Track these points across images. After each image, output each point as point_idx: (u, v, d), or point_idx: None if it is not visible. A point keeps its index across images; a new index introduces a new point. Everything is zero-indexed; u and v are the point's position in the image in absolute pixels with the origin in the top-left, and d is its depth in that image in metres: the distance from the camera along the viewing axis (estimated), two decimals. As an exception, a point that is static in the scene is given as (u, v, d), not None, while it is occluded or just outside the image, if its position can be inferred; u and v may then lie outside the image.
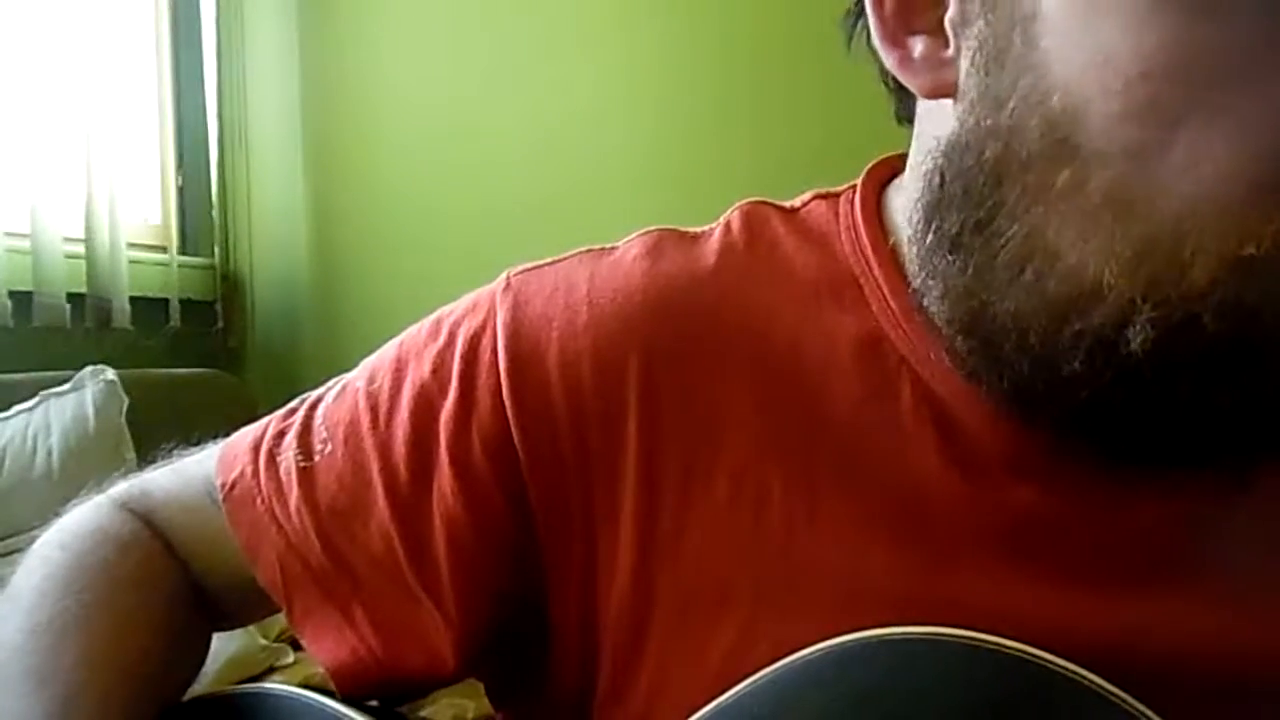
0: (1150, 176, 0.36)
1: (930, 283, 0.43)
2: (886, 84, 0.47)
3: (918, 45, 0.43)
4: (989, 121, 0.40)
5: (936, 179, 0.42)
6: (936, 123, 0.43)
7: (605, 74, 2.00)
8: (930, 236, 0.42)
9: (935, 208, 0.42)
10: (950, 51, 0.42)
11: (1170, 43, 0.35)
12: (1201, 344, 0.36)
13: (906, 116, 0.47)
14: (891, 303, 0.45)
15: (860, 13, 0.46)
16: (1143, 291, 0.36)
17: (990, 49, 0.40)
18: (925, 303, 0.43)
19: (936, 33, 0.42)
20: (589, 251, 0.51)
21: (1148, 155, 0.36)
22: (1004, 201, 0.39)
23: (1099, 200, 0.37)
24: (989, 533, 0.42)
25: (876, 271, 0.46)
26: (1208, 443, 0.39)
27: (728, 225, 0.51)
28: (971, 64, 0.41)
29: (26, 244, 1.81)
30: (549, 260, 0.51)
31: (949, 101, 0.42)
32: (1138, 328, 0.36)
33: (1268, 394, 0.37)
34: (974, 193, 0.40)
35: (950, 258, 0.41)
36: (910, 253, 0.45)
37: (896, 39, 0.44)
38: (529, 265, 0.51)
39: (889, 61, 0.44)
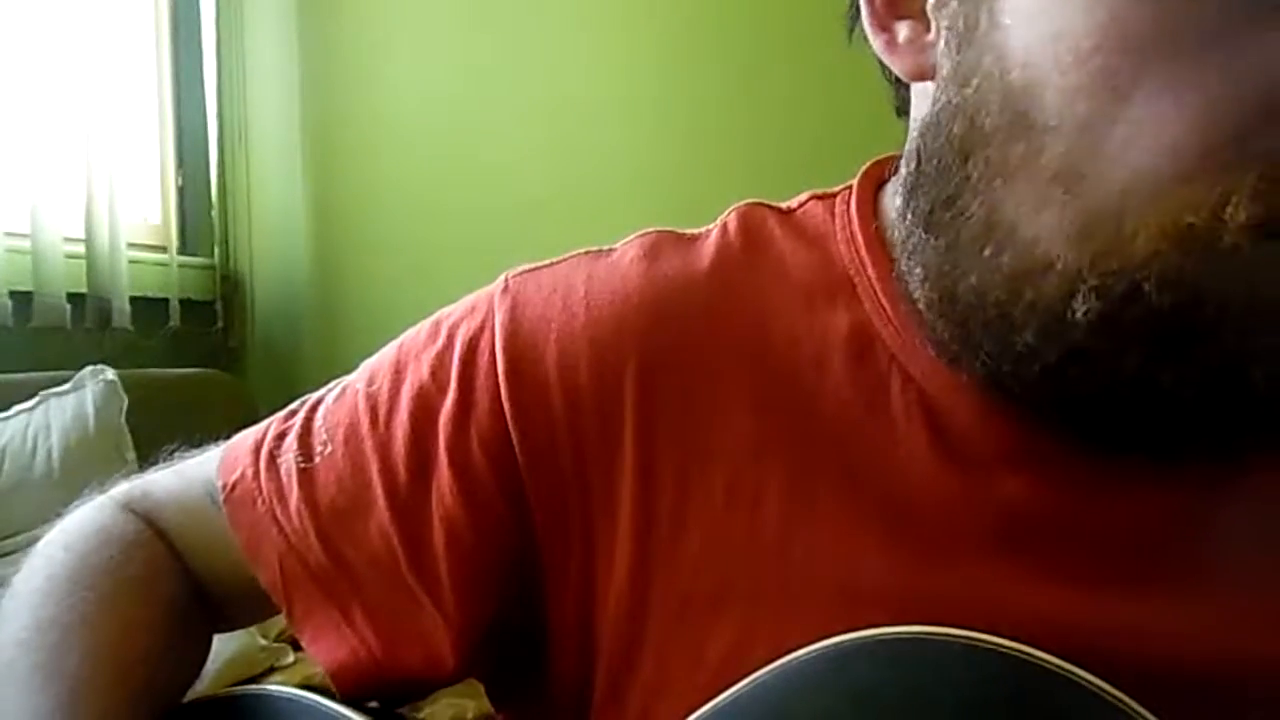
0: (1098, 149, 0.36)
1: (911, 264, 0.43)
2: (887, 78, 0.48)
3: (903, 30, 0.44)
4: (957, 99, 0.40)
5: (914, 160, 0.43)
6: (919, 106, 0.44)
7: (605, 74, 2.00)
8: (909, 216, 0.43)
9: (913, 188, 0.43)
10: (931, 35, 0.43)
11: (1120, 16, 0.36)
12: (1145, 316, 0.36)
13: (904, 109, 0.48)
14: (883, 300, 0.46)
15: (858, 7, 0.47)
16: (1089, 263, 0.36)
17: (960, 28, 0.41)
18: (910, 289, 0.43)
19: (920, 17, 0.44)
20: (586, 253, 0.51)
21: (1097, 128, 0.36)
22: (969, 177, 0.40)
23: (1051, 173, 0.37)
24: (983, 529, 0.42)
25: (870, 269, 0.46)
26: (1183, 428, 0.39)
27: (724, 227, 0.51)
28: (945, 44, 0.42)
29: (26, 244, 1.81)
30: (547, 262, 0.51)
31: (930, 84, 0.43)
32: (1081, 298, 0.37)
33: (1216, 372, 0.36)
34: (943, 170, 0.41)
35: (925, 236, 0.42)
36: (897, 239, 0.45)
37: (885, 24, 0.45)
38: (527, 267, 0.51)
39: (877, 46, 0.45)
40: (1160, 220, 0.35)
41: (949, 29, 0.42)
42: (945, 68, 0.42)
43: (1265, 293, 0.35)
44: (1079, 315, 0.37)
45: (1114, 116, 0.36)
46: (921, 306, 0.43)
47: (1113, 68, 0.36)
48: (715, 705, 0.41)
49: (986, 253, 0.39)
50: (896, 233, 0.45)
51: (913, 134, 0.44)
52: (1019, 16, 0.38)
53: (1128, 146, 0.36)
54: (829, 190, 0.51)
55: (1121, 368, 0.37)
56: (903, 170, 0.45)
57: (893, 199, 0.48)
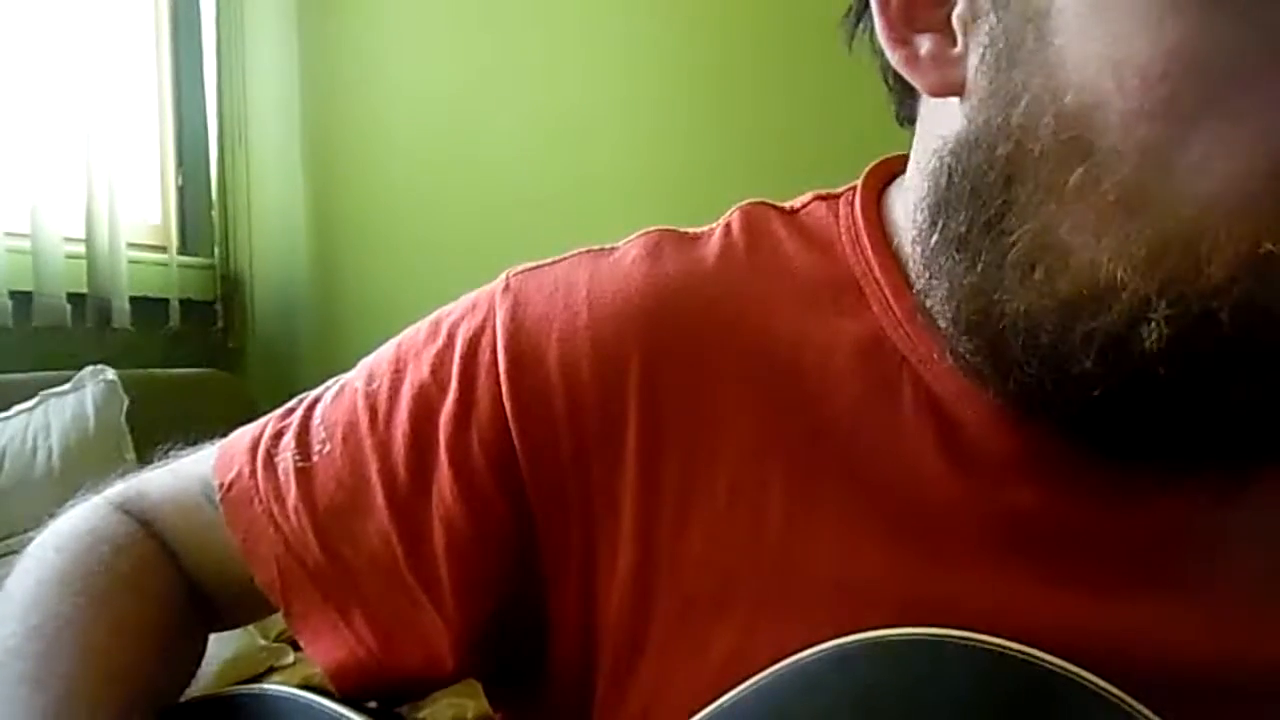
0: (1166, 174, 0.36)
1: (934, 282, 0.42)
2: (888, 84, 0.47)
3: (924, 43, 0.43)
4: (1000, 119, 0.39)
5: (944, 178, 0.42)
6: (942, 121, 0.43)
7: (605, 73, 2.00)
8: (936, 236, 0.42)
9: (941, 207, 0.42)
10: (958, 49, 0.42)
11: (1188, 40, 0.35)
12: (1217, 341, 0.36)
13: (908, 118, 0.47)
14: (893, 304, 0.45)
15: (862, 12, 0.46)
16: (1158, 289, 0.36)
17: (1001, 46, 0.40)
18: (929, 303, 0.43)
19: (944, 30, 0.42)
20: (588, 252, 0.51)
21: (1164, 153, 0.36)
22: (1015, 200, 0.39)
23: (1113, 198, 0.37)
24: (988, 533, 0.42)
25: (878, 274, 0.46)
26: (1214, 441, 0.39)
27: (728, 226, 0.51)
28: (981, 61, 0.40)
29: (26, 244, 1.81)
30: (548, 261, 0.51)
31: (955, 100, 0.42)
32: (1152, 325, 0.36)
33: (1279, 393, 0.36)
34: (983, 191, 0.40)
35: (957, 256, 0.41)
36: (913, 253, 0.45)
37: (902, 37, 0.43)
38: (528, 266, 0.51)
39: (894, 60, 0.44)
40: (1237, 247, 0.35)
41: (986, 45, 0.40)
42: (983, 87, 0.40)
43: None
44: (1148, 343, 0.36)
45: (1182, 141, 0.35)
46: (944, 322, 0.42)
47: (1180, 92, 0.35)
48: (717, 706, 0.41)
49: (1036, 276, 0.38)
50: (915, 245, 0.44)
51: (939, 152, 0.43)
52: (1072, 36, 0.37)
53: (1197, 173, 0.35)
54: (832, 191, 0.51)
55: (1190, 390, 0.37)
56: (918, 183, 0.44)
57: (899, 205, 0.47)
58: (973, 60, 0.41)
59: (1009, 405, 0.41)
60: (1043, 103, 0.38)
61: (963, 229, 0.41)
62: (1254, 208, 0.35)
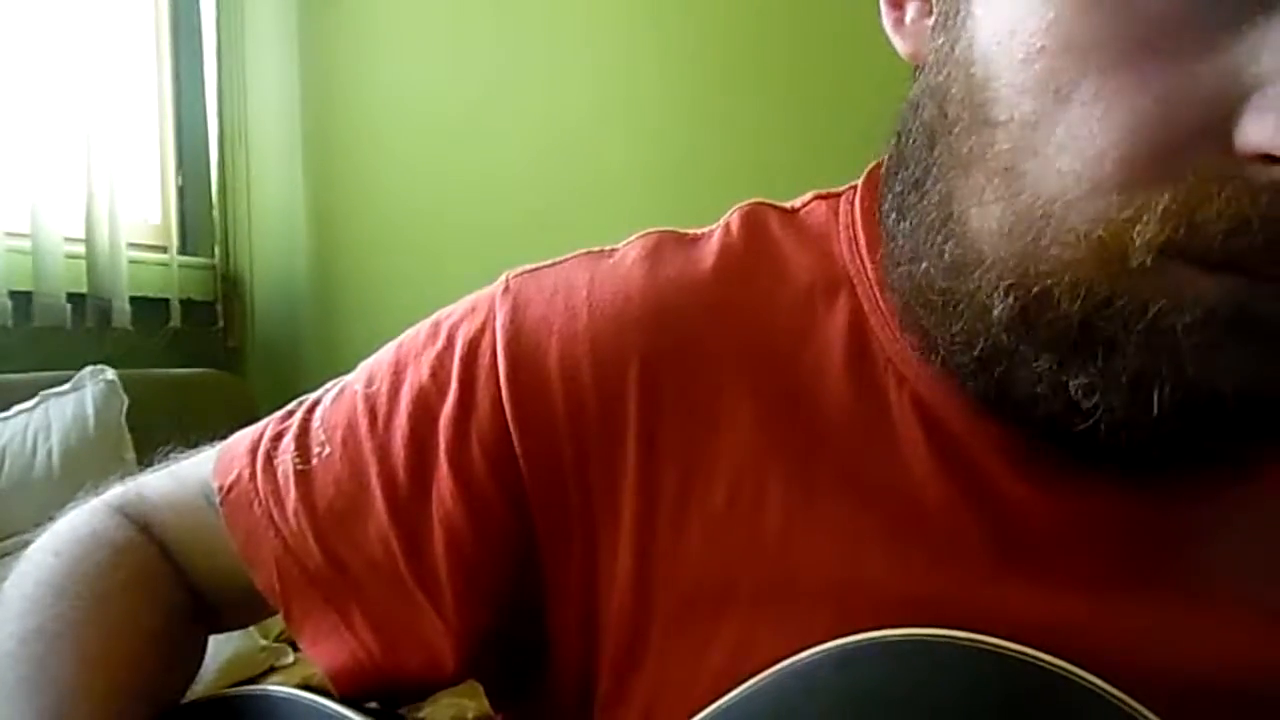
0: (1037, 150, 0.36)
1: (892, 247, 0.43)
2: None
3: (911, 9, 0.44)
4: (931, 82, 0.41)
5: (894, 139, 0.43)
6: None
7: (606, 75, 2.00)
8: (889, 198, 0.43)
9: (894, 171, 0.43)
10: (931, 18, 0.43)
11: (1065, 18, 0.35)
12: (1055, 322, 0.36)
13: None
14: (880, 301, 0.45)
15: None
16: (1013, 262, 0.36)
17: (942, 13, 0.41)
18: (892, 279, 0.43)
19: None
20: (588, 254, 0.51)
21: (1039, 128, 0.36)
22: (934, 162, 0.40)
23: (997, 169, 0.37)
24: (982, 532, 0.42)
25: (869, 270, 0.46)
26: (1153, 443, 0.37)
27: (727, 227, 0.51)
28: (933, 27, 0.42)
29: (26, 244, 1.81)
30: (548, 262, 0.51)
31: None
32: (999, 296, 0.37)
33: (1119, 386, 0.36)
34: (915, 151, 0.41)
35: (899, 221, 0.42)
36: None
37: (898, 2, 0.45)
38: (528, 267, 0.51)
39: (887, 22, 0.45)
40: (1075, 229, 0.35)
41: (936, 13, 0.42)
42: (930, 52, 0.42)
43: (1164, 316, 0.34)
44: (996, 312, 0.37)
45: (1051, 119, 0.36)
46: (904, 300, 0.43)
47: (1055, 69, 0.35)
48: (718, 707, 0.41)
49: (938, 239, 0.39)
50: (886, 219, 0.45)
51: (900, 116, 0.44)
52: (985, 7, 0.38)
53: (1059, 151, 0.35)
54: (833, 190, 0.51)
55: (1036, 369, 0.37)
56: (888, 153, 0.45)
57: None
58: (931, 26, 0.42)
59: (974, 395, 0.41)
60: (958, 69, 0.39)
61: (900, 189, 0.42)
62: (1100, 192, 0.35)
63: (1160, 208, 0.33)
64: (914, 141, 0.41)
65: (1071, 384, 0.37)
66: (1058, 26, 0.35)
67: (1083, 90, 0.35)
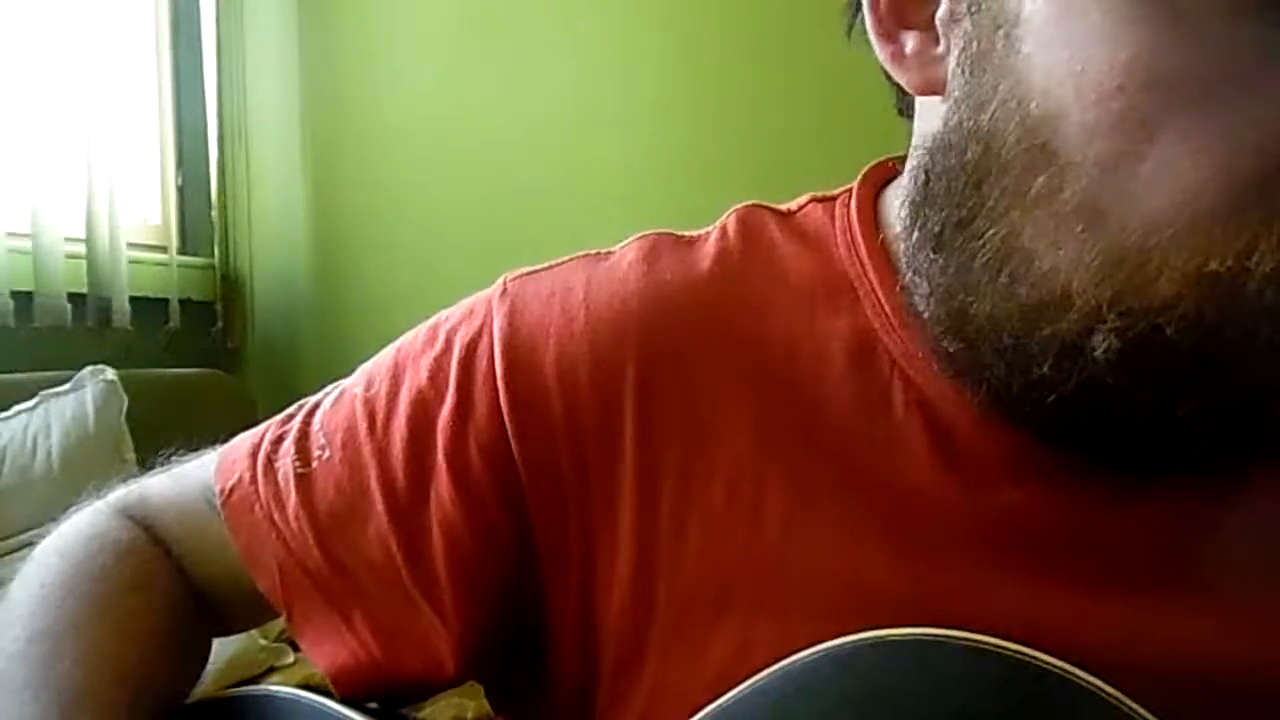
0: (1121, 188, 0.36)
1: (917, 280, 0.43)
2: (888, 76, 0.48)
3: (910, 41, 0.43)
4: (971, 123, 0.40)
5: (922, 176, 0.43)
6: (927, 120, 0.44)
7: (605, 75, 2.00)
8: (916, 234, 0.43)
9: (920, 205, 0.43)
10: (940, 49, 0.42)
11: (1143, 55, 0.35)
12: (1164, 356, 0.36)
13: (906, 110, 0.47)
14: (885, 305, 0.45)
15: (859, 4, 0.46)
16: (1109, 301, 0.36)
17: (974, 50, 0.40)
18: (914, 301, 0.43)
19: (928, 29, 0.43)
20: (585, 256, 0.51)
21: (1120, 167, 0.36)
22: (983, 203, 0.39)
23: (1072, 208, 0.37)
24: (983, 535, 0.42)
25: (871, 274, 0.46)
26: (1185, 450, 0.39)
27: (724, 229, 0.51)
28: (957, 63, 0.41)
29: (27, 244, 1.81)
30: (545, 265, 0.51)
31: (938, 99, 0.42)
32: (1102, 336, 0.36)
33: (1233, 406, 0.37)
34: (955, 192, 0.41)
35: (934, 256, 0.42)
36: (901, 251, 0.45)
37: (890, 33, 0.44)
38: (525, 270, 0.51)
39: (882, 56, 0.44)
40: (1184, 265, 0.35)
41: (962, 48, 0.41)
42: (957, 89, 0.41)
43: None
44: (1099, 352, 0.37)
45: (1137, 156, 0.35)
46: (928, 321, 0.42)
47: (1136, 107, 0.35)
48: (717, 707, 0.41)
49: (1002, 280, 0.39)
50: (900, 242, 0.45)
51: (920, 149, 0.43)
52: (1039, 45, 0.38)
53: (1151, 188, 0.35)
54: (829, 193, 0.51)
55: (1138, 401, 0.37)
56: (907, 182, 0.45)
57: (895, 205, 0.47)
58: (951, 61, 0.42)
59: (989, 408, 0.42)
60: (1010, 109, 0.38)
61: (938, 229, 0.41)
62: (1202, 226, 0.35)
63: (1275, 237, 0.34)
64: (954, 182, 0.41)
65: (1179, 410, 0.37)
66: (1137, 63, 0.35)
67: (1171, 126, 0.35)
